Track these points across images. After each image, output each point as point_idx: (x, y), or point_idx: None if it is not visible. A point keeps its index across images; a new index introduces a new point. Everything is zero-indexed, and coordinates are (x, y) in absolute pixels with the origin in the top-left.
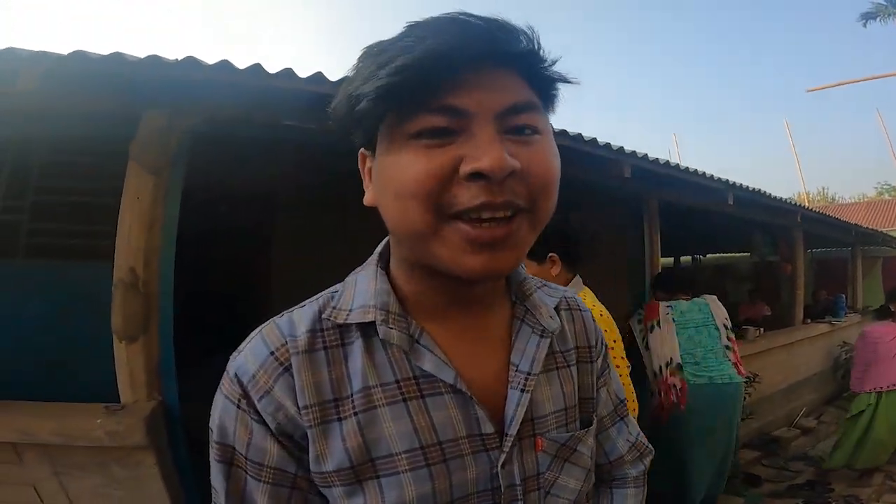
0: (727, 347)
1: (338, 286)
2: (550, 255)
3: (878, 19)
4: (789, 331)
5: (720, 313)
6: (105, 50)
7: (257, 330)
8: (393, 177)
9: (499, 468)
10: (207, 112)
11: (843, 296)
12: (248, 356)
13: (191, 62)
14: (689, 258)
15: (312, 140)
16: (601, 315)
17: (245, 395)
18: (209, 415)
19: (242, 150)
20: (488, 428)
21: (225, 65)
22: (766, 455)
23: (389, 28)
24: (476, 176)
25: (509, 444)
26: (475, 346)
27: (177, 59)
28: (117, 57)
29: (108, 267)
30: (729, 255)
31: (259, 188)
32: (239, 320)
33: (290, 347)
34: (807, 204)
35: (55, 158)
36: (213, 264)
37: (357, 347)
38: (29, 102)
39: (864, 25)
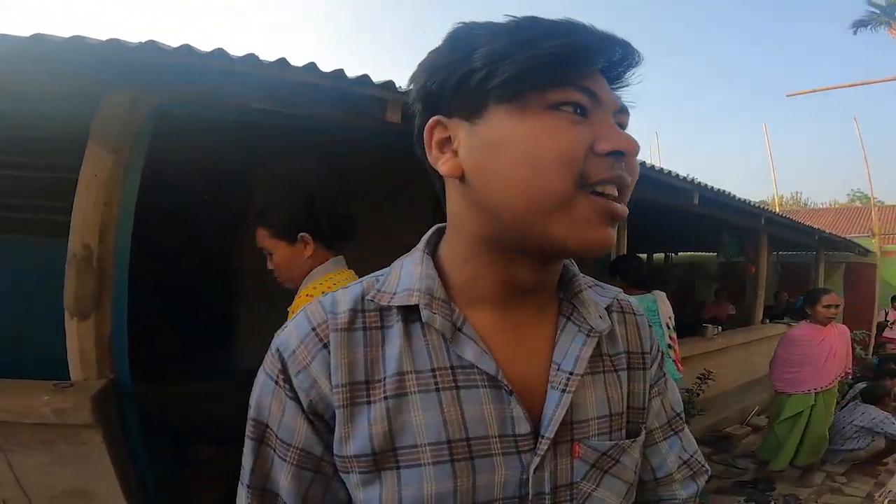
0: (668, 346)
1: (383, 270)
2: (302, 234)
3: (869, 27)
4: (747, 330)
5: (665, 311)
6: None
7: (303, 308)
8: (529, 143)
9: (530, 473)
10: (172, 94)
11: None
12: (292, 332)
13: (152, 46)
14: (661, 255)
15: (284, 123)
16: None
17: (284, 370)
18: (163, 392)
19: (213, 132)
20: (523, 428)
21: (187, 49)
22: (716, 451)
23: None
24: (615, 154)
25: (544, 448)
26: (518, 341)
27: (139, 43)
28: (77, 40)
29: (65, 244)
30: (700, 254)
31: (232, 170)
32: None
33: (330, 324)
34: (778, 208)
35: (14, 135)
36: (183, 244)
37: (396, 331)
38: None
39: (855, 33)
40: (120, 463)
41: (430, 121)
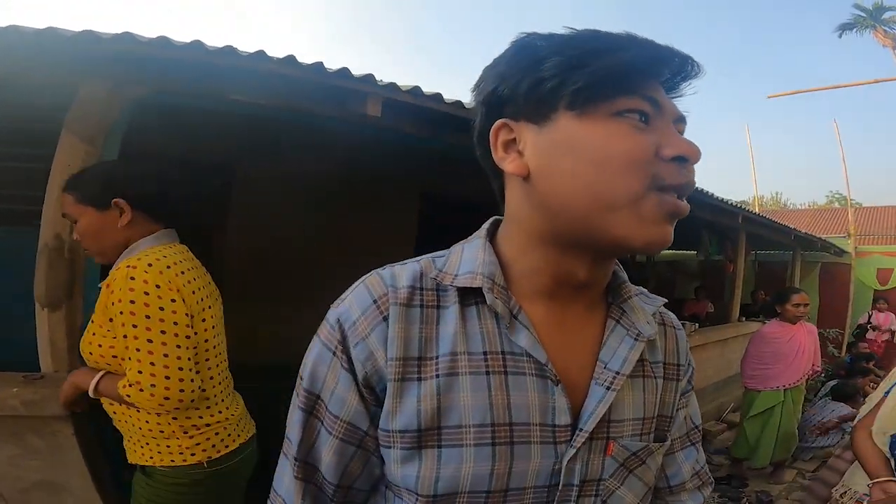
0: None
1: (440, 252)
2: (115, 199)
3: (854, 30)
4: (723, 327)
5: None
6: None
7: (360, 280)
8: (598, 146)
9: (563, 464)
10: (149, 86)
11: None
12: (353, 303)
13: (128, 37)
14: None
15: (264, 115)
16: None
17: (343, 340)
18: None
19: (193, 122)
20: (563, 419)
21: (164, 40)
22: None
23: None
24: (679, 159)
25: (581, 441)
26: (566, 336)
27: (115, 34)
28: (51, 32)
29: (34, 233)
30: (681, 252)
31: (213, 161)
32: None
33: (390, 297)
34: (758, 208)
35: None
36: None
37: (452, 312)
38: None
39: (840, 36)
40: (90, 455)
41: (497, 123)
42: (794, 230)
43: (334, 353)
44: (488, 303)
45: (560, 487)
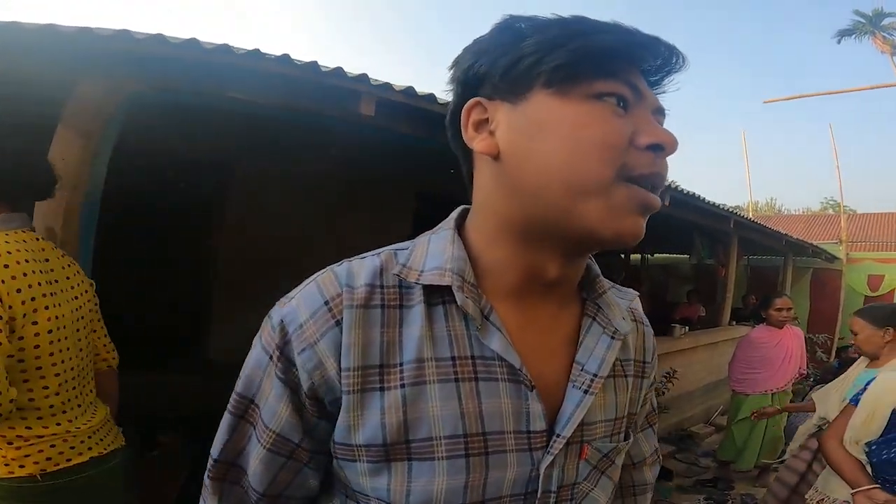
0: None
1: (403, 244)
2: None
3: (853, 36)
4: (713, 331)
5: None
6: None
7: (313, 277)
8: (572, 127)
9: (541, 471)
10: (146, 82)
11: None
12: (301, 303)
13: (125, 35)
14: (638, 256)
15: (262, 113)
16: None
17: (284, 345)
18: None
19: (192, 120)
20: (538, 425)
21: (160, 38)
22: (679, 450)
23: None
24: (655, 148)
25: (558, 447)
26: (540, 336)
27: (112, 32)
28: (51, 29)
29: None
30: (675, 256)
31: (212, 159)
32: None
33: (345, 299)
34: (752, 213)
35: None
36: (155, 232)
37: (417, 313)
38: None
39: (839, 42)
40: None
41: (470, 101)
42: (785, 235)
43: (271, 358)
44: (459, 303)
45: (539, 494)
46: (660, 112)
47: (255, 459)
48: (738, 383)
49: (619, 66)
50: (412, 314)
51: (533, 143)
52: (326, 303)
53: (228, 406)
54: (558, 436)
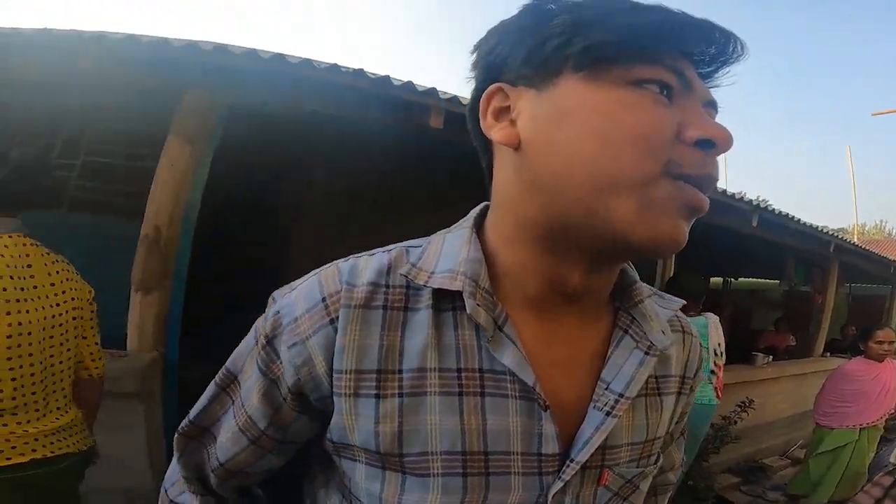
0: (712, 372)
1: (418, 241)
2: None
3: None
4: (802, 362)
5: (715, 336)
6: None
7: (317, 270)
8: (602, 116)
9: (549, 497)
10: (240, 94)
11: None
12: (300, 297)
13: (222, 50)
14: (719, 279)
15: (336, 124)
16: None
17: (274, 336)
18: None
19: (279, 129)
20: (550, 448)
21: (252, 53)
22: (747, 482)
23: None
24: (706, 144)
25: (571, 473)
26: (561, 348)
27: (213, 47)
28: (162, 41)
29: (135, 224)
30: (762, 280)
31: (294, 167)
32: (262, 285)
33: (343, 297)
34: (857, 237)
35: (104, 126)
36: (244, 231)
37: (423, 318)
38: (85, 79)
39: None
40: (153, 436)
41: (491, 87)
42: (894, 262)
43: (257, 344)
44: (469, 311)
45: None
46: (712, 106)
47: (227, 432)
48: (823, 416)
49: (663, 51)
50: (417, 318)
51: (558, 133)
52: (324, 300)
53: (216, 376)
54: (573, 460)
